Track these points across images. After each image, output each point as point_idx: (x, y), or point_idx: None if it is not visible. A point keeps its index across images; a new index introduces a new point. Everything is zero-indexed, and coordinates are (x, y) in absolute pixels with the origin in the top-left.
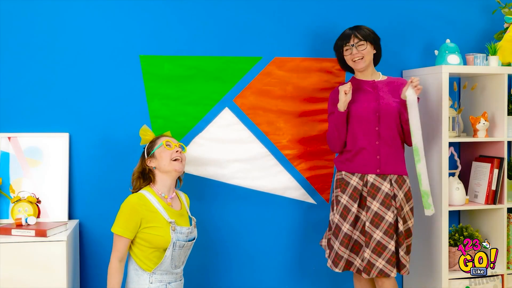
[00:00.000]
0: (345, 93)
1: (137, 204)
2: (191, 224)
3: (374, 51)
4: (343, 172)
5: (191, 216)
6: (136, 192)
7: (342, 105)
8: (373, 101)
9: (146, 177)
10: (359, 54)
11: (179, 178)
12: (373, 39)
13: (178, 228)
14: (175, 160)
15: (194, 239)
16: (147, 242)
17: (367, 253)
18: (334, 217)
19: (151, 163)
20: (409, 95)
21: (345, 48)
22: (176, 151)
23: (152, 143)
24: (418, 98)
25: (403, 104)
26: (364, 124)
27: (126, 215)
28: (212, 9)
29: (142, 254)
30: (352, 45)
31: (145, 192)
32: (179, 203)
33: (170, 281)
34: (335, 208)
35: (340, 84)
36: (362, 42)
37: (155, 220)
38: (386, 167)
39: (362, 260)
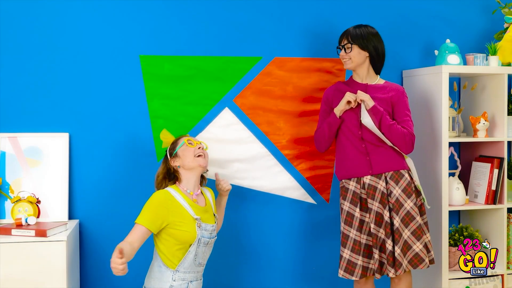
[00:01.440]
0: (348, 103)
1: (164, 199)
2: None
3: (367, 55)
4: (343, 180)
5: (215, 213)
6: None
7: (338, 112)
8: (356, 106)
9: (171, 177)
10: (346, 56)
11: (202, 176)
12: (364, 43)
13: (203, 224)
14: (199, 156)
15: (215, 237)
16: (173, 238)
17: (377, 254)
18: (341, 226)
19: (175, 163)
20: (364, 119)
21: (339, 47)
22: (199, 148)
23: (173, 144)
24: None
25: (388, 106)
26: (349, 128)
27: (153, 208)
28: (212, 9)
29: (167, 250)
30: (342, 46)
31: (170, 189)
32: (203, 199)
33: (192, 280)
34: (341, 217)
35: (338, 82)
36: (348, 45)
37: (181, 216)
38: (378, 167)
39: (375, 262)
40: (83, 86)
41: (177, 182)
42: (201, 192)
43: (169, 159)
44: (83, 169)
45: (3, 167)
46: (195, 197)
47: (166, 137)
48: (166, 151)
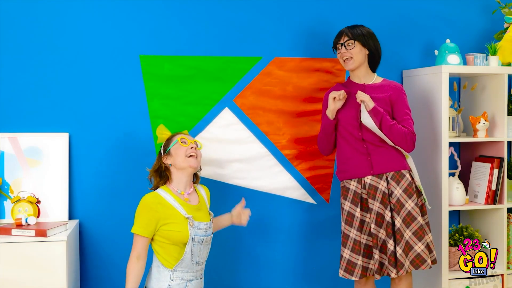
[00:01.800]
0: (333, 100)
1: (153, 202)
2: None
3: (367, 52)
4: (344, 180)
5: (210, 212)
6: (154, 187)
7: (330, 114)
8: (356, 107)
9: (162, 174)
10: (348, 53)
11: (196, 174)
12: (365, 39)
13: (196, 223)
14: (190, 156)
15: (212, 234)
16: (166, 238)
17: (377, 255)
18: (342, 226)
19: (167, 160)
20: (364, 119)
21: (337, 46)
22: (191, 147)
23: (168, 140)
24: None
25: (387, 106)
26: (349, 130)
27: (143, 214)
28: (212, 9)
29: (163, 251)
30: (342, 44)
31: (160, 190)
32: (197, 197)
33: (191, 279)
34: (341, 217)
35: (337, 84)
36: (351, 41)
37: (172, 216)
38: (379, 167)
39: (375, 262)
40: (83, 86)
41: (167, 182)
42: (195, 190)
43: (162, 156)
44: (83, 169)
45: (2, 167)
46: (186, 196)
47: (162, 133)
48: (161, 147)
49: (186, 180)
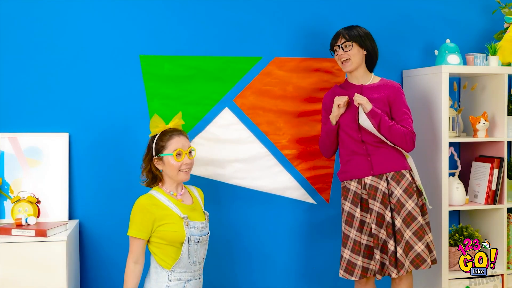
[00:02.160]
0: (339, 107)
1: (148, 204)
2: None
3: (365, 53)
4: (345, 181)
5: (204, 211)
6: (147, 185)
7: (333, 119)
8: (354, 110)
9: (154, 175)
10: (345, 55)
11: None
12: (362, 40)
13: (192, 223)
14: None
15: (208, 233)
16: (162, 239)
17: (378, 255)
18: (342, 226)
19: (157, 164)
20: (363, 121)
21: (334, 48)
22: (185, 163)
23: (162, 142)
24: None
25: (386, 106)
26: (348, 132)
27: (139, 216)
28: (212, 9)
29: (160, 251)
30: (339, 46)
31: (154, 192)
32: (190, 197)
33: (189, 279)
34: (342, 217)
35: (335, 86)
36: (348, 43)
37: (167, 217)
38: (379, 167)
39: (376, 263)
40: (83, 86)
41: (160, 183)
42: (187, 191)
43: (154, 158)
44: (83, 169)
45: (2, 167)
46: (179, 197)
47: (157, 125)
48: (153, 142)
49: (177, 184)
